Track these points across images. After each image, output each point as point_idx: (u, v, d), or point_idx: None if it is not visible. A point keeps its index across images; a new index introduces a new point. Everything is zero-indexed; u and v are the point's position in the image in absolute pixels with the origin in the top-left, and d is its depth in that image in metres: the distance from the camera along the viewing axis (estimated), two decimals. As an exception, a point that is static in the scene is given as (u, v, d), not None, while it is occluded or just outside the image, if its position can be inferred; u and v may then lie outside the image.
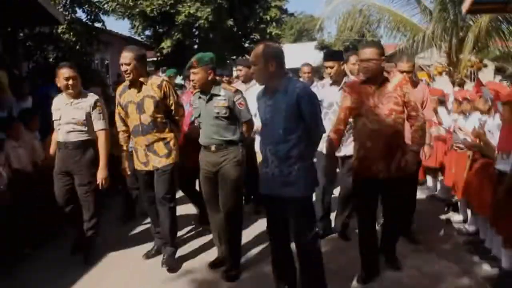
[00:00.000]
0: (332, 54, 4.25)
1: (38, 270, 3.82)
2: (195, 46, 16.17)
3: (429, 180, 5.87)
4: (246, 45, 17.04)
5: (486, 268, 3.49)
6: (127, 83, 3.71)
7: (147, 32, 16.44)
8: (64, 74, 3.71)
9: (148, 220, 4.24)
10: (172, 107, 3.72)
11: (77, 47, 8.96)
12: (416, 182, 4.14)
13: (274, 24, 16.37)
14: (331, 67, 4.03)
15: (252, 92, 3.96)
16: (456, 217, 4.63)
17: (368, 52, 3.10)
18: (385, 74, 3.31)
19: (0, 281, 3.66)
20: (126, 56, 3.55)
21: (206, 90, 3.53)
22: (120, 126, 3.85)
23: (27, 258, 4.04)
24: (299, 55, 18.24)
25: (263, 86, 2.95)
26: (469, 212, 4.28)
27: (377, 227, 3.47)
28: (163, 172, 3.68)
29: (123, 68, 3.57)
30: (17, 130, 4.35)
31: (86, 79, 4.87)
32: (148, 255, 3.98)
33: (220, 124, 3.49)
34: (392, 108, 3.11)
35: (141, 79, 3.62)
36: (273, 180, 2.83)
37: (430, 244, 4.01)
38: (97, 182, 3.79)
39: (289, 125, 2.73)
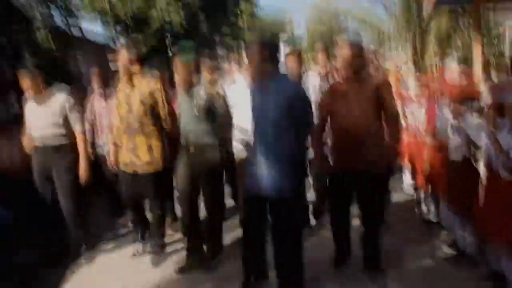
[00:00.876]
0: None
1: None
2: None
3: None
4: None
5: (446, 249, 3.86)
6: (123, 81, 3.74)
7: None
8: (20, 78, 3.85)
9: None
10: (161, 115, 3.68)
11: (56, 54, 9.04)
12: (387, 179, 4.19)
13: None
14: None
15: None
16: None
17: (354, 48, 3.15)
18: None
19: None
20: (122, 54, 3.59)
21: (189, 86, 3.59)
22: (116, 121, 3.87)
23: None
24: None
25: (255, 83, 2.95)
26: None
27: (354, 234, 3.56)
28: (146, 180, 3.71)
29: (119, 66, 3.61)
30: None
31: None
32: (136, 254, 4.09)
33: (202, 121, 3.55)
34: (366, 104, 3.17)
35: (135, 80, 3.65)
36: (260, 178, 2.82)
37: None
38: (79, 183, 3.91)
39: (280, 123, 2.73)
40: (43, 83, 3.91)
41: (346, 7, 12.44)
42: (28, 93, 3.85)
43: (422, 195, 4.71)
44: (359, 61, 3.17)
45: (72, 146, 3.90)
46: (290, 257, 2.93)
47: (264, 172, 2.79)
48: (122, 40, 16.32)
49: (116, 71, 3.73)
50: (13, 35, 8.29)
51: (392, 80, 4.50)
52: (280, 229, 2.91)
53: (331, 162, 3.43)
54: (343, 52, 3.17)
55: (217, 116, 3.51)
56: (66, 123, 3.87)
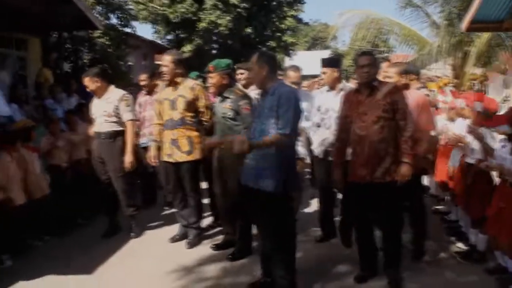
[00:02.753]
0: (326, 60, 4.30)
1: (87, 235, 4.63)
2: (214, 51, 17.07)
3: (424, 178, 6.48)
4: (262, 51, 17.89)
5: (459, 245, 4.16)
6: (167, 80, 4.17)
7: (169, 37, 17.36)
8: (83, 83, 4.44)
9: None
10: (201, 109, 4.16)
11: (109, 50, 9.82)
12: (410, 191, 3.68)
13: (289, 32, 17.15)
14: (324, 73, 4.13)
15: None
16: (441, 208, 5.32)
17: (362, 60, 3.27)
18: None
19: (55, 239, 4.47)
20: (166, 59, 4.09)
21: (221, 93, 3.95)
22: (156, 119, 4.31)
23: (81, 226, 4.88)
24: (313, 62, 18.88)
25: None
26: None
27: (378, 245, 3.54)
28: (186, 169, 4.12)
29: (163, 69, 4.10)
30: (73, 122, 5.20)
31: (117, 79, 5.56)
32: (174, 239, 4.38)
33: (226, 124, 3.84)
34: (379, 115, 3.21)
35: (177, 80, 4.11)
36: (250, 171, 3.04)
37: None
38: (125, 165, 4.34)
39: (268, 123, 2.91)
40: (105, 85, 4.50)
41: (390, 27, 12.55)
42: (94, 95, 4.49)
43: (443, 195, 5.01)
44: (370, 69, 3.25)
45: (123, 133, 4.43)
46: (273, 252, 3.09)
47: (250, 164, 3.07)
48: (169, 37, 17.20)
49: (161, 70, 4.21)
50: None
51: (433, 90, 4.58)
52: (260, 221, 3.16)
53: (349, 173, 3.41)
54: (357, 61, 3.34)
55: (243, 117, 3.79)
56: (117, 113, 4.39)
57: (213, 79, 3.96)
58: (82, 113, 5.36)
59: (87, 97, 6.75)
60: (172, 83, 4.17)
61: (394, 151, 3.25)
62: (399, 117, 3.23)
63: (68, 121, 5.21)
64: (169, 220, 4.95)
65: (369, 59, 3.26)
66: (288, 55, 18.68)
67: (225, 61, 4.01)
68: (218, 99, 4.07)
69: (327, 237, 4.35)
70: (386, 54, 28.36)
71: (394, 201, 3.35)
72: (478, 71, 13.16)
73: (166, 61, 4.10)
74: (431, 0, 12.43)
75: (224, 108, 3.88)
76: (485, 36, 11.07)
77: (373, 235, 3.51)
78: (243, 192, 3.17)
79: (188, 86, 4.15)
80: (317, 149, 4.15)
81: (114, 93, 4.47)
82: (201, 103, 4.17)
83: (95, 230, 4.69)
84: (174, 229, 4.58)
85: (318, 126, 4.13)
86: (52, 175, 4.63)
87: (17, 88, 6.52)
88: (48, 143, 4.68)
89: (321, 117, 4.12)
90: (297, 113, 3.00)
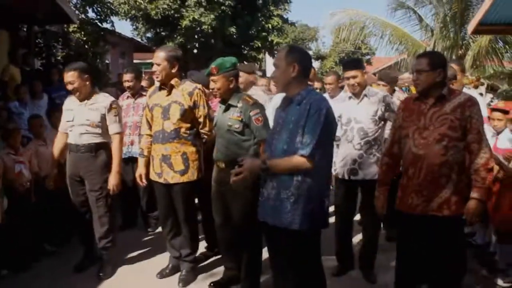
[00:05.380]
0: (353, 62, 3.83)
1: (54, 267, 3.87)
2: (195, 51, 16.33)
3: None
4: (246, 51, 17.24)
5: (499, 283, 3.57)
6: (158, 84, 3.50)
7: (148, 34, 16.53)
8: (65, 78, 3.57)
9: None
10: (201, 119, 3.44)
11: (86, 46, 9.00)
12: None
13: (275, 32, 16.55)
14: (354, 77, 3.46)
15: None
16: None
17: (418, 63, 2.66)
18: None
19: (17, 274, 3.70)
20: (158, 56, 3.34)
21: (226, 99, 3.23)
22: (145, 129, 3.63)
23: (48, 254, 4.09)
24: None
25: (281, 95, 2.60)
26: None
27: None
28: (178, 192, 3.42)
29: (154, 68, 3.37)
30: (40, 128, 4.34)
31: (94, 79, 4.77)
32: (163, 274, 3.66)
33: (231, 139, 3.15)
34: (445, 132, 2.58)
35: (172, 82, 3.38)
36: (267, 203, 2.49)
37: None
38: (108, 188, 3.60)
39: (294, 141, 2.37)
40: (91, 87, 3.71)
41: (383, 29, 12.19)
42: (76, 94, 3.63)
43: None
44: (427, 76, 2.60)
45: (107, 146, 3.67)
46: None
47: (270, 195, 2.55)
48: (149, 34, 16.40)
49: (152, 70, 3.48)
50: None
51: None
52: (279, 262, 2.62)
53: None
54: (415, 64, 2.70)
55: (254, 131, 3.12)
56: (104, 123, 3.64)
57: (217, 83, 3.18)
58: (53, 118, 4.53)
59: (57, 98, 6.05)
60: (166, 86, 3.41)
61: (458, 179, 2.61)
62: (472, 139, 2.59)
63: (34, 128, 4.32)
64: (156, 248, 4.22)
65: (423, 62, 2.60)
66: (274, 56, 18.09)
67: (230, 60, 3.23)
68: (220, 107, 3.32)
69: (345, 269, 3.73)
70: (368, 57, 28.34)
71: (451, 241, 2.67)
72: (470, 76, 12.88)
73: (158, 58, 3.33)
74: (424, 1, 12.15)
75: (230, 119, 3.15)
76: (482, 39, 10.75)
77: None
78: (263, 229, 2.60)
79: (186, 90, 3.40)
80: (339, 167, 3.50)
81: (101, 99, 3.66)
82: (200, 112, 3.44)
83: (65, 261, 3.92)
84: (162, 260, 3.86)
85: (338, 139, 3.48)
86: (11, 198, 3.75)
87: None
88: (8, 160, 3.80)
89: (343, 129, 3.51)
90: (329, 129, 2.40)
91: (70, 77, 3.54)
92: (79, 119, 3.62)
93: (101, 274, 3.70)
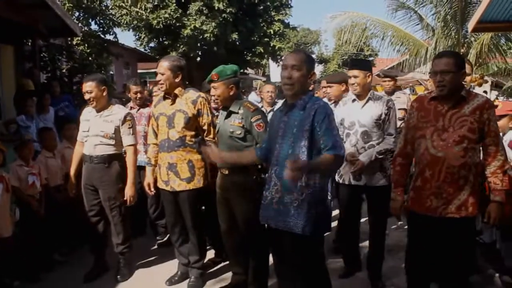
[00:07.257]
0: (357, 61, 3.74)
1: (65, 276, 3.90)
2: (198, 59, 16.45)
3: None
4: (249, 57, 17.34)
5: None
6: (164, 92, 3.52)
7: (151, 44, 16.67)
8: (84, 87, 3.69)
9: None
10: (205, 127, 3.48)
11: (90, 58, 9.10)
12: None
13: (277, 37, 16.64)
14: (355, 77, 3.41)
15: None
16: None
17: (443, 63, 2.55)
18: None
19: (27, 284, 3.73)
20: (162, 66, 3.40)
21: (227, 106, 3.29)
22: (151, 139, 3.68)
23: (58, 264, 4.13)
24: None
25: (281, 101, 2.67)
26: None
27: None
28: (185, 199, 3.46)
29: (158, 77, 3.41)
30: (52, 141, 4.42)
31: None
32: (172, 281, 3.69)
33: (233, 145, 3.19)
34: (464, 134, 2.55)
35: (176, 91, 3.43)
36: (271, 207, 2.52)
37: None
38: (124, 199, 3.68)
39: (299, 145, 2.43)
40: (107, 98, 3.80)
41: (384, 30, 12.21)
42: (92, 104, 3.73)
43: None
44: (452, 77, 2.53)
45: (120, 158, 3.77)
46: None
47: (274, 199, 2.61)
48: (152, 44, 16.53)
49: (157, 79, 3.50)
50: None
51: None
52: (283, 266, 2.68)
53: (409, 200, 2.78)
54: (437, 64, 2.59)
55: (256, 137, 3.16)
56: (119, 135, 3.72)
57: (217, 89, 3.24)
58: (65, 130, 4.59)
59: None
60: (170, 95, 3.47)
61: (474, 181, 2.61)
62: (490, 142, 2.59)
63: (46, 141, 4.38)
64: (164, 255, 4.25)
65: (447, 62, 2.53)
66: (277, 61, 18.16)
67: (231, 67, 3.29)
68: (221, 114, 3.36)
69: (351, 270, 3.74)
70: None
71: (464, 241, 2.66)
72: (474, 74, 12.85)
73: (162, 68, 3.39)
74: (424, 1, 12.16)
75: (232, 125, 3.21)
76: (484, 37, 10.74)
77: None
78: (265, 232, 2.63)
79: (190, 99, 3.44)
80: (344, 173, 3.49)
81: (116, 111, 3.74)
82: (205, 120, 3.48)
83: (76, 270, 3.95)
84: (171, 267, 3.90)
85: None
86: (22, 209, 3.83)
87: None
88: (22, 172, 3.85)
89: (346, 133, 3.48)
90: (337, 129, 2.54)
91: (89, 87, 3.66)
92: (94, 130, 3.72)
93: (118, 276, 3.82)
